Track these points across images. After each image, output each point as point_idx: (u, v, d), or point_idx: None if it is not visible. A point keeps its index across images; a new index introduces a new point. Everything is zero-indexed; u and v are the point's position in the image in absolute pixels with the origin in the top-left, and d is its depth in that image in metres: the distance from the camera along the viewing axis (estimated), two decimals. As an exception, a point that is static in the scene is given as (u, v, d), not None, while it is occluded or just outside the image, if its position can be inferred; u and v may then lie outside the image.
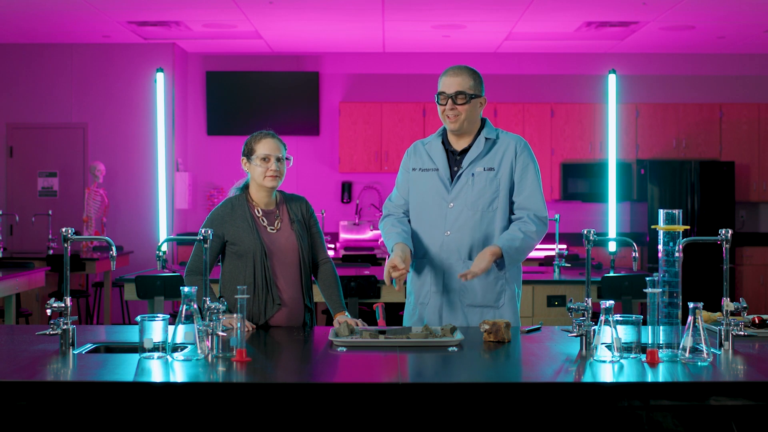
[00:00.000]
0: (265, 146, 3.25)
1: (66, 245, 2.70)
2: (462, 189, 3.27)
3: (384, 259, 6.81)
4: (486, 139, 3.30)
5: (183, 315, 2.53)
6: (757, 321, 2.99)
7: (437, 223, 3.28)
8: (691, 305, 2.50)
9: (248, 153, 3.28)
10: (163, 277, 5.28)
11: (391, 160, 8.91)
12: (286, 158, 3.28)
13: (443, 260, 3.28)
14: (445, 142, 3.36)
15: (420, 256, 3.33)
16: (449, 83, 3.23)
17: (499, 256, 3.17)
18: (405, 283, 3.24)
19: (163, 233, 7.94)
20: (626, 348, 2.50)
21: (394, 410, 2.19)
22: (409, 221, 3.39)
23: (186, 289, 2.55)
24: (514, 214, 3.30)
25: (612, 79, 7.72)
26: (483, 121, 3.35)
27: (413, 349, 2.71)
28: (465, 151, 3.31)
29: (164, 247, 7.34)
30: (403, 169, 3.43)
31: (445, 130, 3.38)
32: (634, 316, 2.53)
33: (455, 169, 3.31)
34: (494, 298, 3.28)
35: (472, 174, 3.27)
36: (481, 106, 3.29)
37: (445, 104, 3.24)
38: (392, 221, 3.37)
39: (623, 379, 2.29)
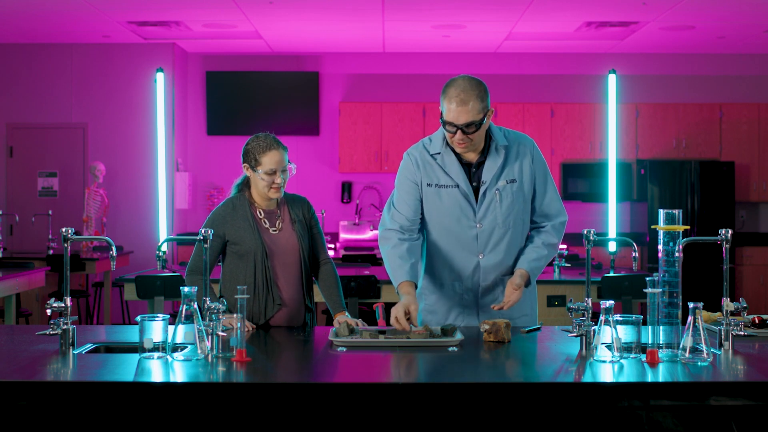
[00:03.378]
0: (271, 160, 3.19)
1: (66, 245, 2.70)
2: (489, 207, 3.11)
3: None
4: (499, 146, 3.13)
5: (183, 315, 2.53)
6: (757, 321, 2.99)
7: (468, 245, 3.13)
8: (691, 305, 2.50)
9: (253, 163, 3.22)
10: (163, 277, 5.27)
11: (391, 160, 8.91)
12: (289, 165, 3.26)
13: (480, 282, 3.16)
14: (457, 153, 3.14)
15: (453, 279, 3.18)
16: (457, 114, 2.97)
17: (527, 279, 3.11)
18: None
19: (163, 233, 7.94)
20: (626, 348, 2.50)
21: (394, 410, 2.19)
22: (419, 239, 3.19)
23: (186, 289, 2.55)
24: (533, 221, 3.22)
25: (612, 79, 7.72)
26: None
27: (413, 349, 2.71)
28: (480, 162, 3.13)
29: (164, 247, 7.34)
30: (410, 180, 3.17)
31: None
32: (634, 316, 2.53)
33: (474, 184, 3.14)
34: (528, 306, 3.23)
35: (497, 190, 3.11)
36: (489, 118, 3.06)
37: (454, 133, 3.01)
38: (403, 247, 3.11)
39: (623, 379, 2.29)
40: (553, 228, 3.19)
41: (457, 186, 3.12)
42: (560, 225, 3.21)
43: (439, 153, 3.15)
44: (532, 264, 3.13)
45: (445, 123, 3.03)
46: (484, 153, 3.14)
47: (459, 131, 3.00)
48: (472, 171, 3.15)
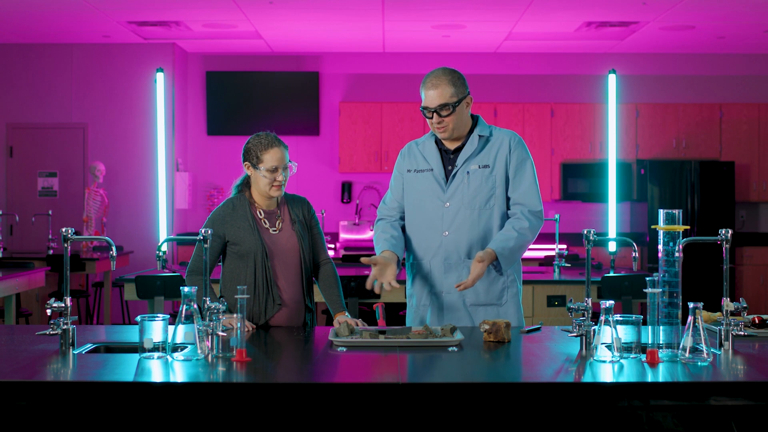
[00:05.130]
0: (273, 157, 3.21)
1: (66, 245, 2.70)
2: (458, 188, 3.26)
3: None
4: (479, 136, 3.29)
5: (183, 315, 2.53)
6: (757, 321, 2.99)
7: (434, 223, 3.28)
8: (691, 305, 2.50)
9: (255, 161, 3.24)
10: (163, 277, 5.27)
11: (391, 160, 8.90)
12: (290, 164, 3.27)
13: (443, 261, 3.27)
14: (438, 142, 3.35)
15: (419, 258, 3.33)
16: (430, 97, 3.20)
17: (494, 259, 3.16)
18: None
19: (163, 233, 7.94)
20: (626, 348, 2.50)
21: (394, 410, 2.19)
22: (402, 226, 3.39)
23: (186, 289, 2.55)
24: (510, 209, 3.30)
25: (612, 79, 7.72)
26: (475, 119, 3.34)
27: (413, 349, 2.71)
28: (459, 149, 3.30)
29: (164, 247, 7.34)
30: (397, 171, 3.41)
31: None
32: (634, 316, 2.53)
33: (449, 168, 3.30)
34: (497, 296, 3.27)
35: (467, 172, 3.26)
36: (468, 106, 3.27)
37: (431, 117, 3.22)
38: (384, 226, 3.37)
39: (623, 379, 2.29)
40: (522, 214, 3.25)
41: (432, 170, 3.32)
42: (530, 213, 3.25)
43: (423, 142, 3.39)
44: (500, 244, 3.18)
45: (423, 110, 3.24)
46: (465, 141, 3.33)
47: (435, 114, 3.21)
48: (450, 157, 3.33)
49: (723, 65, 9.35)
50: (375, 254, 3.33)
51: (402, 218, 3.40)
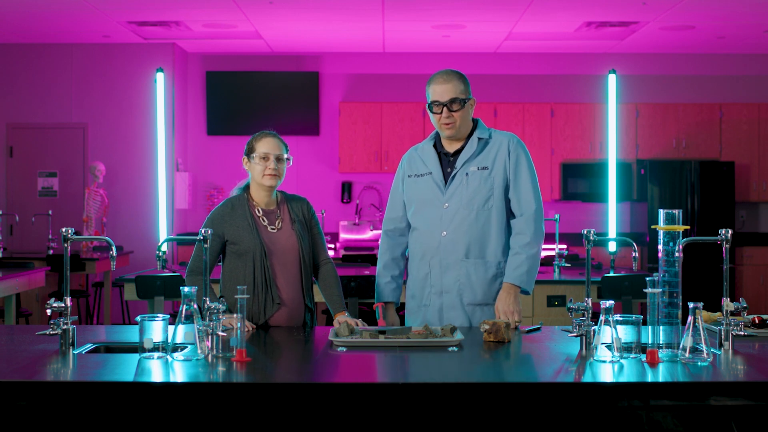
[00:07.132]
0: (265, 145, 3.26)
1: (66, 245, 2.70)
2: (456, 189, 3.30)
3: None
4: (479, 139, 3.33)
5: (183, 315, 2.53)
6: (757, 321, 2.99)
7: (434, 224, 3.31)
8: (691, 305, 2.50)
9: (249, 151, 3.29)
10: (163, 277, 5.27)
11: (391, 160, 8.91)
12: (286, 158, 3.29)
13: (441, 260, 3.30)
14: (438, 145, 3.39)
15: (419, 259, 3.37)
16: (441, 91, 3.24)
17: (517, 290, 3.23)
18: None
19: (163, 233, 7.93)
20: (626, 348, 2.50)
21: (394, 410, 2.19)
22: (403, 239, 3.46)
23: (186, 289, 2.55)
24: (513, 214, 3.33)
25: (612, 79, 7.71)
26: (475, 122, 3.38)
27: (413, 349, 2.71)
28: (458, 152, 3.34)
29: (164, 247, 7.34)
30: (398, 179, 3.46)
31: (437, 134, 3.41)
32: (634, 316, 2.53)
33: (449, 170, 3.34)
34: (494, 295, 3.29)
35: (466, 174, 3.30)
36: (472, 107, 3.33)
37: (441, 113, 3.26)
38: (388, 256, 3.43)
39: (623, 379, 2.29)
40: (521, 227, 3.28)
41: (431, 173, 3.35)
42: (527, 221, 3.28)
43: (422, 147, 3.43)
44: (512, 274, 3.24)
45: (431, 106, 3.27)
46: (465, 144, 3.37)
47: (445, 108, 3.24)
48: (449, 160, 3.36)
49: (723, 65, 9.35)
50: (376, 255, 3.38)
51: (404, 229, 3.45)
